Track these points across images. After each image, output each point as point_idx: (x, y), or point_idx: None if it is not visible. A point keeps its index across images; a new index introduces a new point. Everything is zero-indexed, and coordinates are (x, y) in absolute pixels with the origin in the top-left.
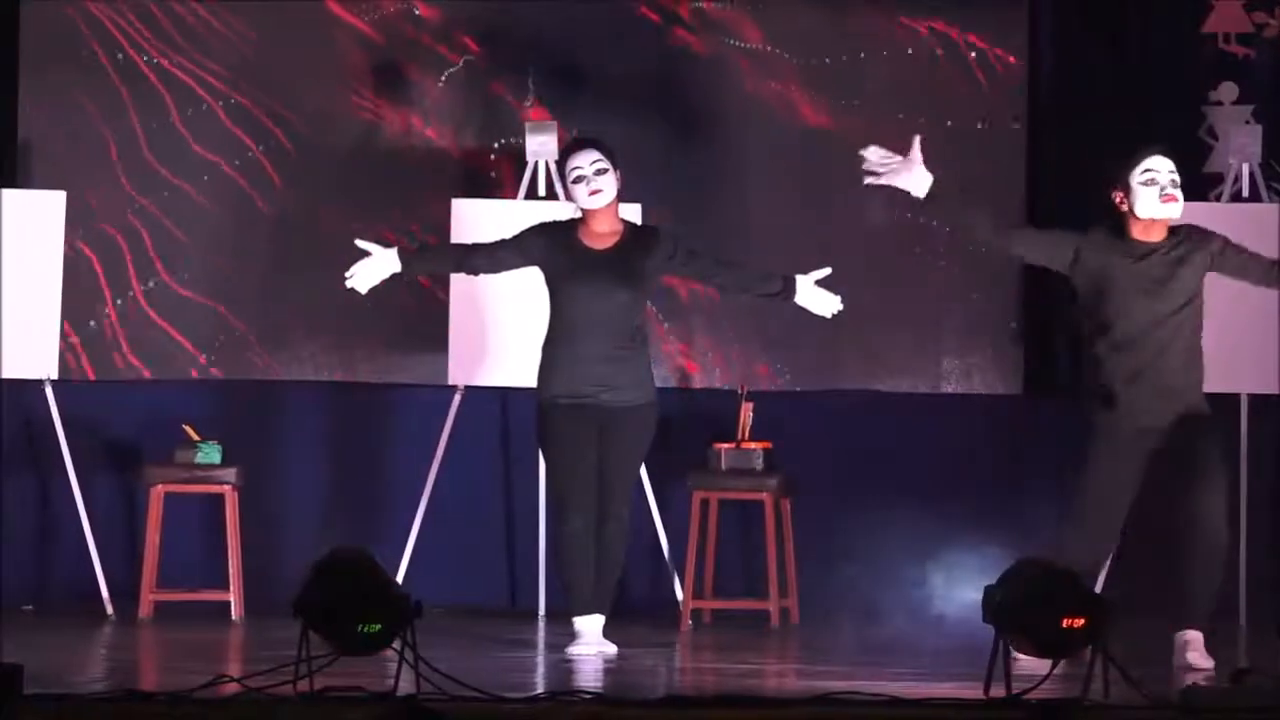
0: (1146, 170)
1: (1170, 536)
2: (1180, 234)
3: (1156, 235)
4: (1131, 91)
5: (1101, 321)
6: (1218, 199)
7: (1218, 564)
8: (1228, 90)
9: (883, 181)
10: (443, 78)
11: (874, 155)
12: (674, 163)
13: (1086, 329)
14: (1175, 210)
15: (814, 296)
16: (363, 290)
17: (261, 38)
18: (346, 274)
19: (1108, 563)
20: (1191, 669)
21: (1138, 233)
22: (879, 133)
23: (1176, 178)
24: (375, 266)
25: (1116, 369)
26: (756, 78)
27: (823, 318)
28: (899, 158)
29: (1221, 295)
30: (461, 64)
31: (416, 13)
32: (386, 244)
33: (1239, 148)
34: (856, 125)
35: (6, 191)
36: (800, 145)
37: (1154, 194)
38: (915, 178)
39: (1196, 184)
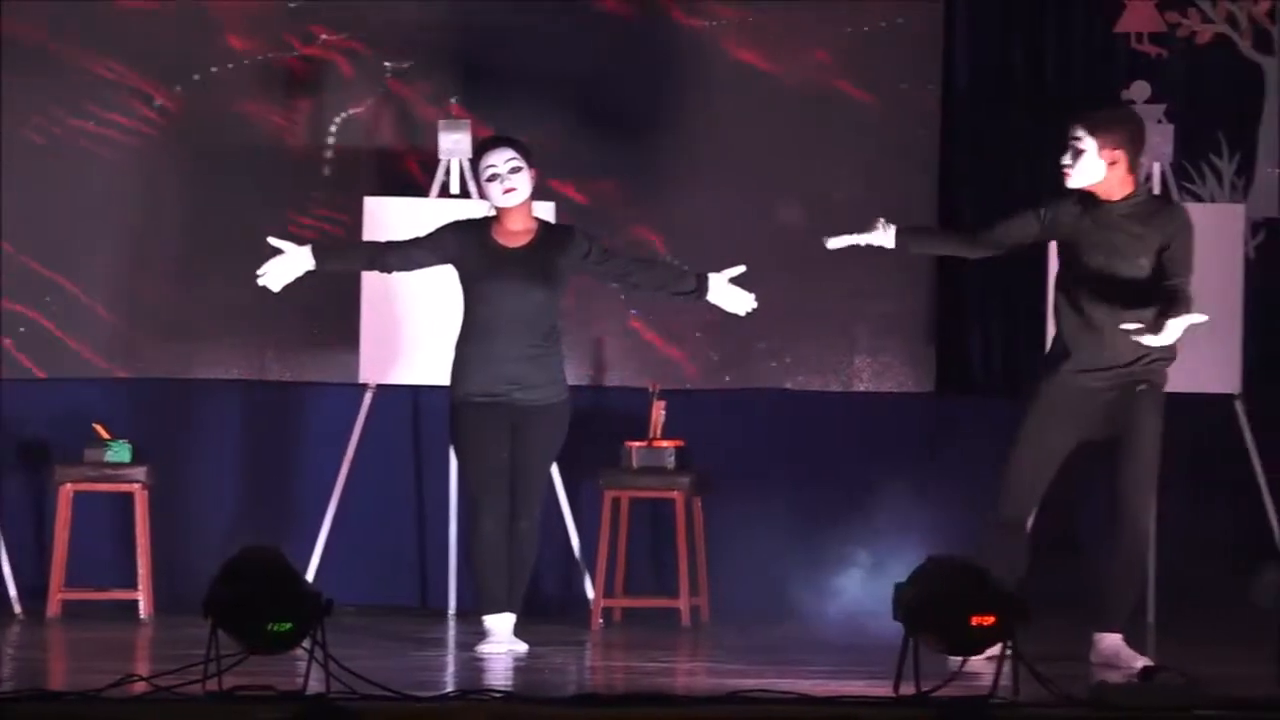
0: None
1: (1084, 533)
2: (1148, 201)
3: (1119, 199)
4: (1045, 90)
5: (1063, 281)
6: None
7: (1141, 565)
8: (1140, 89)
9: (847, 243)
10: (356, 75)
11: (835, 244)
12: (588, 162)
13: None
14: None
15: (727, 295)
16: (275, 288)
17: (178, 35)
18: (259, 272)
19: (1030, 520)
20: (1116, 668)
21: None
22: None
23: (1078, 145)
24: (288, 264)
25: (1072, 327)
26: (672, 80)
27: (736, 316)
28: (858, 237)
29: None
30: (376, 62)
31: (332, 11)
32: (299, 242)
33: (1151, 147)
34: (771, 127)
35: None
36: (715, 145)
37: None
38: (878, 237)
39: None
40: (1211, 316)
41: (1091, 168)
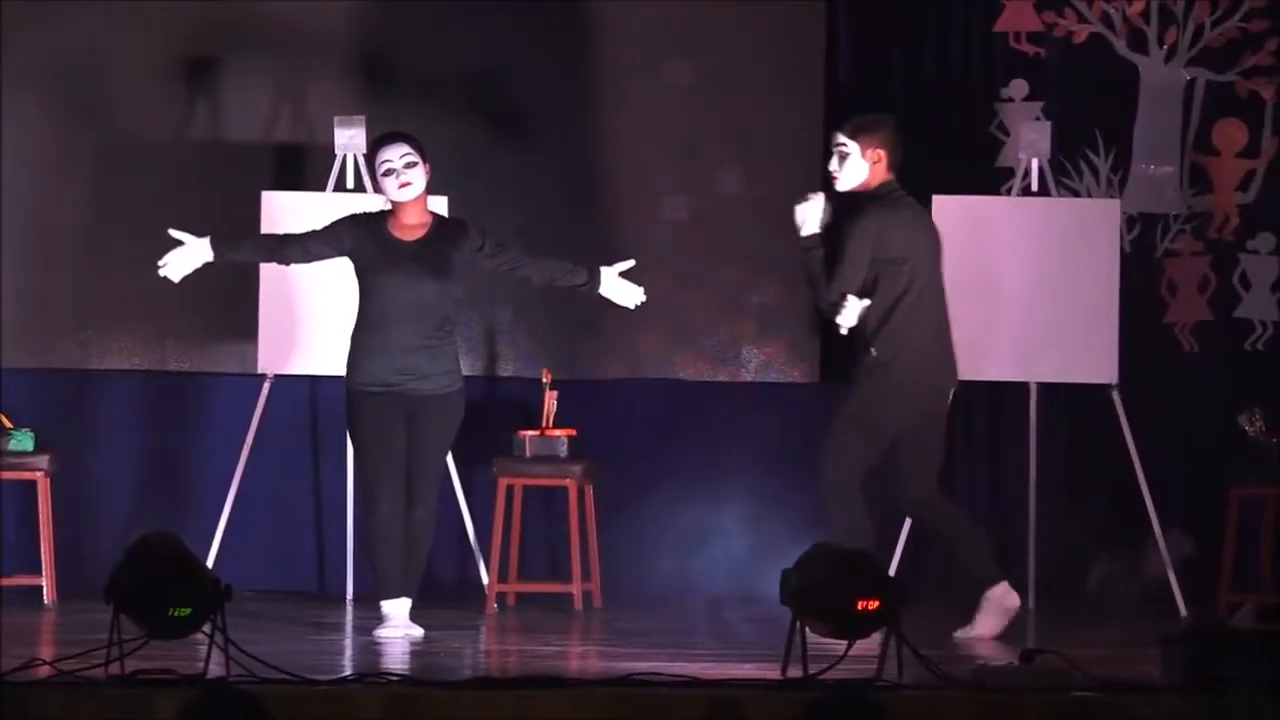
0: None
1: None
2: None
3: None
4: (925, 88)
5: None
6: (1008, 193)
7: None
8: (1018, 87)
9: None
10: (254, 70)
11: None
12: (480, 157)
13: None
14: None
15: (618, 287)
16: (175, 279)
17: (80, 28)
18: (159, 263)
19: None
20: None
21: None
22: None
23: (843, 150)
24: (187, 255)
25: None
26: (559, 71)
27: (626, 308)
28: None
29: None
30: (273, 57)
31: (228, 6)
32: (199, 233)
33: (1028, 143)
34: (656, 122)
35: None
36: (602, 136)
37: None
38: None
39: (988, 178)
40: (1090, 308)
41: (857, 169)
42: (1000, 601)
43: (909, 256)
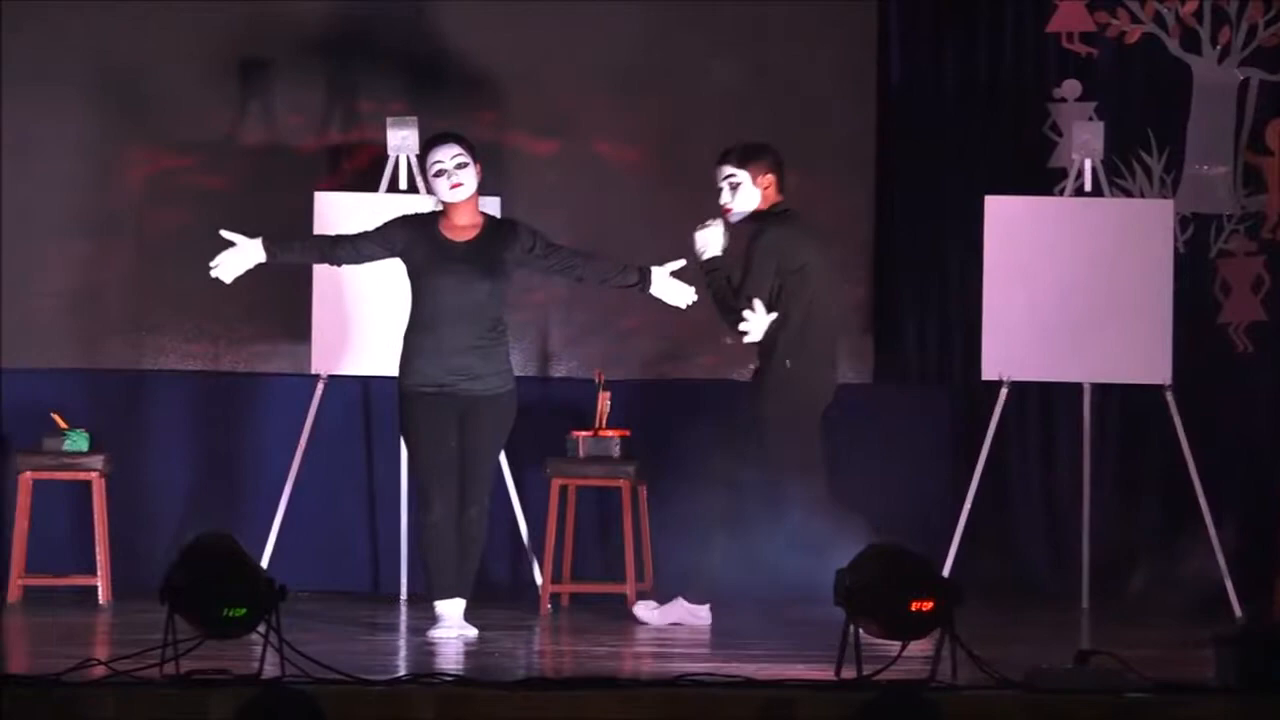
0: None
1: (1016, 524)
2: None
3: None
4: (978, 89)
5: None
6: (1061, 194)
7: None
8: (1071, 87)
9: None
10: (309, 73)
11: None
12: (533, 155)
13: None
14: None
15: (669, 287)
16: (227, 280)
17: (129, 29)
18: (211, 264)
19: None
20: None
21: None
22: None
23: (734, 180)
24: (240, 256)
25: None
26: (610, 72)
27: (677, 308)
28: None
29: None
30: (327, 58)
31: (282, 8)
32: (251, 234)
33: (1081, 144)
34: (714, 122)
35: None
36: (654, 137)
37: None
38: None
39: (1040, 179)
40: (1143, 309)
41: (749, 196)
42: None
43: (808, 266)
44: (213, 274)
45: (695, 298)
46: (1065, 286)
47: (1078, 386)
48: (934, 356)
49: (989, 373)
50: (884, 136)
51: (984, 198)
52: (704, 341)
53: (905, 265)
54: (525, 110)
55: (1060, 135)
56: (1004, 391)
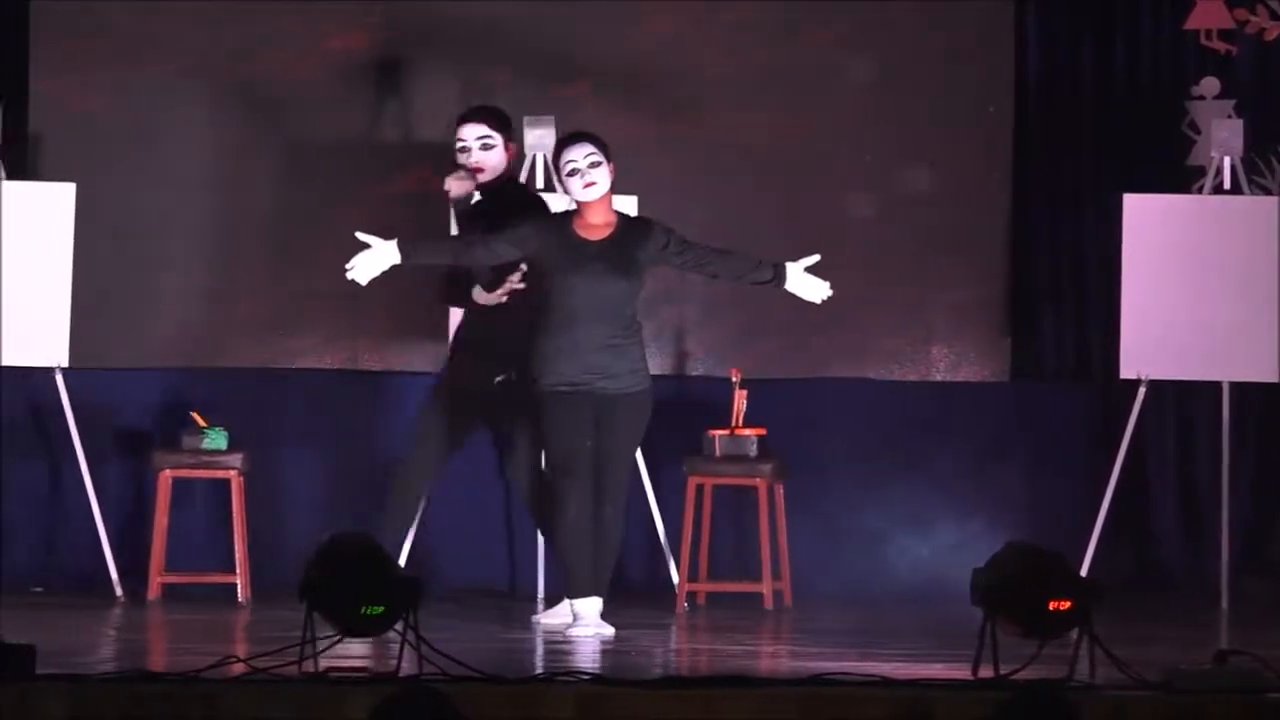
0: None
1: (1155, 520)
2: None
3: None
4: (1115, 87)
5: None
6: (1199, 192)
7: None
8: (1209, 85)
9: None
10: (443, 71)
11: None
12: (666, 152)
13: None
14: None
15: (804, 283)
16: (363, 281)
17: (265, 29)
18: (347, 266)
19: None
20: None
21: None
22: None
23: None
24: (375, 258)
25: None
26: (743, 69)
27: (813, 306)
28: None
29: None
30: (461, 57)
31: (418, 7)
32: (386, 236)
33: (1220, 141)
34: (847, 120)
35: (17, 184)
36: (789, 134)
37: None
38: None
39: (1178, 177)
40: None
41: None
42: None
43: None
44: (348, 276)
45: (830, 293)
46: (1203, 285)
47: (1216, 385)
48: (1071, 355)
49: (1127, 371)
50: (1021, 134)
51: (1122, 196)
52: (841, 339)
53: (1042, 264)
54: (659, 106)
55: (1198, 133)
56: (1142, 390)
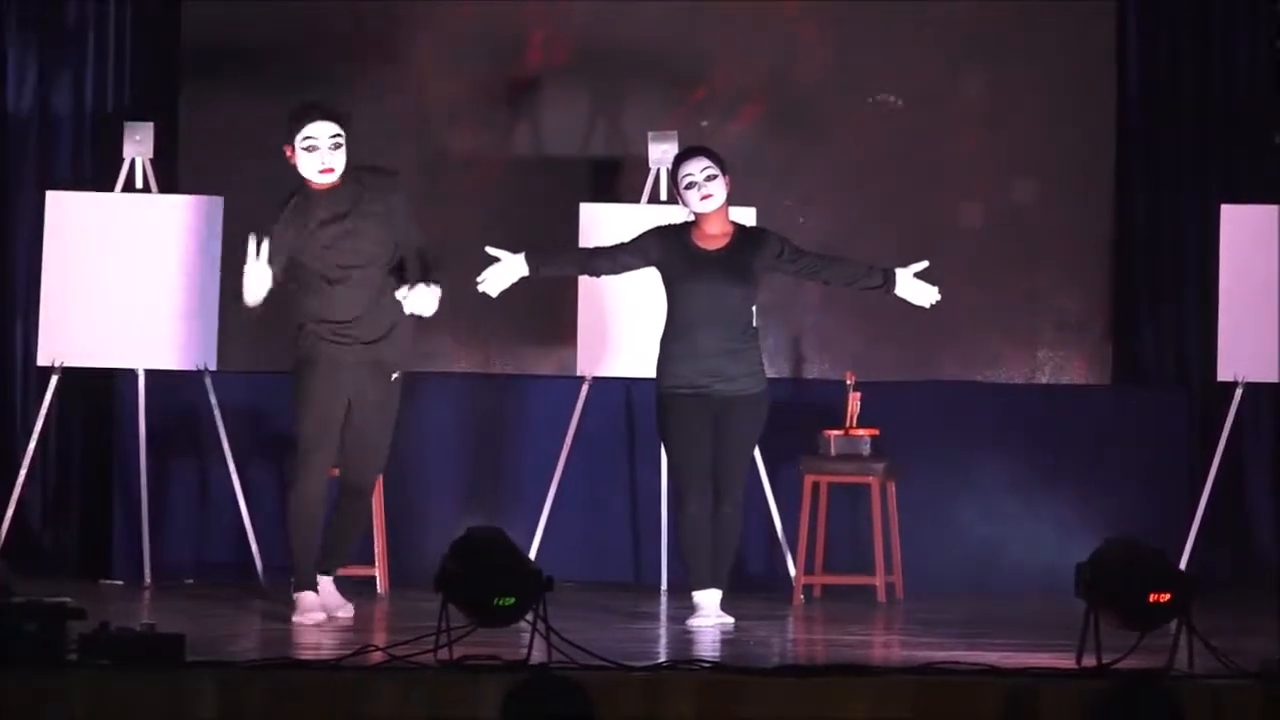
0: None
1: (1251, 518)
2: None
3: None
4: (1214, 99)
5: None
6: None
7: None
8: None
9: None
10: (572, 87)
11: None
12: (783, 167)
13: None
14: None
15: (913, 288)
16: (493, 294)
17: (404, 51)
18: (478, 279)
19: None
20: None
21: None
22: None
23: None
24: (504, 271)
25: None
26: (855, 79)
27: (924, 311)
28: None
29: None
30: (590, 75)
31: (545, 26)
32: (520, 245)
33: None
34: (951, 131)
35: (169, 197)
36: (901, 146)
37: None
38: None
39: (1277, 188)
40: None
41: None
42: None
43: None
44: (479, 289)
45: (938, 298)
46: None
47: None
48: (1171, 359)
49: (1224, 374)
50: (1123, 145)
51: (1220, 205)
52: (950, 343)
53: (1143, 271)
54: (773, 119)
55: None
56: (1239, 392)
